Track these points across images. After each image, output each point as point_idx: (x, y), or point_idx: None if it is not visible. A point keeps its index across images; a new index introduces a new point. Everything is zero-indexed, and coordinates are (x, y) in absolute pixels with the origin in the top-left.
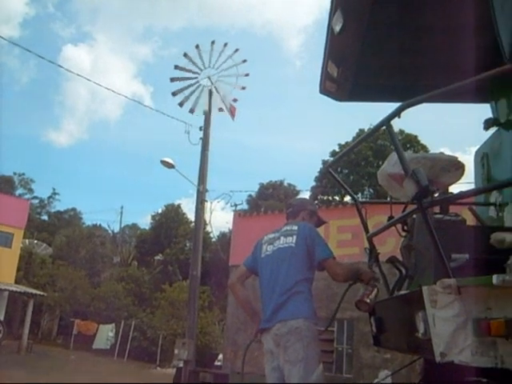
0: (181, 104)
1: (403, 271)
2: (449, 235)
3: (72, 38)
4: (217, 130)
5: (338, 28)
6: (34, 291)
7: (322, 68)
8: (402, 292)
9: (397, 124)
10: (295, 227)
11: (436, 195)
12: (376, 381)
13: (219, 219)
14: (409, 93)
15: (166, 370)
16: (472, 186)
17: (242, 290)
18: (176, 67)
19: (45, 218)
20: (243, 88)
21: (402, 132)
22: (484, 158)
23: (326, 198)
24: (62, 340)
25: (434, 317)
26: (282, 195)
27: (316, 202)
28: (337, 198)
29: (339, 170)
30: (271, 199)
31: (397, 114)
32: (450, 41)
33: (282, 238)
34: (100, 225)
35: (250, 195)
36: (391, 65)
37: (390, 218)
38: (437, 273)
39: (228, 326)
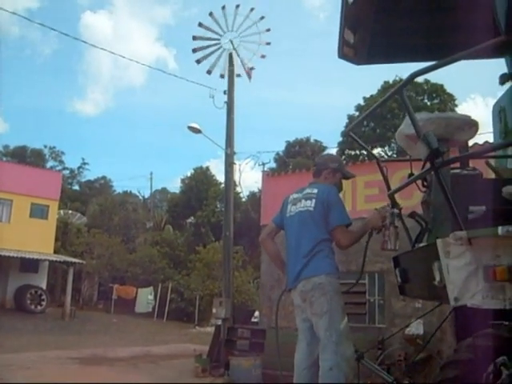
0: (209, 72)
1: (423, 225)
2: (466, 189)
3: (91, 5)
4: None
5: None
6: (73, 259)
7: (339, 34)
8: (422, 244)
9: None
10: (315, 190)
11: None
12: (408, 329)
13: (249, 179)
14: (426, 52)
15: (204, 329)
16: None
17: (271, 246)
18: (200, 25)
19: (76, 188)
20: (268, 43)
21: (427, 82)
22: (501, 111)
23: (353, 153)
24: (102, 305)
25: (447, 266)
26: (308, 152)
27: (343, 157)
28: (364, 152)
29: (365, 124)
30: (298, 156)
31: (408, 82)
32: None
33: (303, 200)
34: (131, 191)
35: (277, 153)
36: (408, 26)
37: (410, 175)
38: (453, 226)
39: (262, 284)
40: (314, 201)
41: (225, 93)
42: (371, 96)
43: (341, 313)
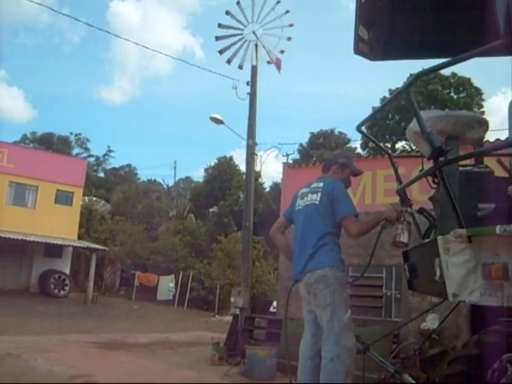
0: (229, 61)
1: (431, 221)
2: (476, 186)
3: None
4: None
5: None
6: (96, 246)
7: (355, 31)
8: (426, 240)
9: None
10: (321, 184)
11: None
12: (423, 324)
13: (272, 169)
14: (440, 49)
15: (224, 318)
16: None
17: (281, 239)
18: (227, 13)
19: (101, 175)
20: (289, 39)
21: (454, 75)
22: None
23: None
24: (124, 292)
25: (447, 262)
26: (333, 144)
27: (366, 149)
28: (389, 145)
29: (390, 116)
30: (322, 148)
31: (414, 81)
32: None
33: (309, 194)
34: (155, 180)
35: (301, 145)
36: (422, 22)
37: (421, 170)
38: (461, 223)
39: (281, 274)
40: (319, 194)
41: (248, 84)
42: (396, 88)
43: (344, 305)
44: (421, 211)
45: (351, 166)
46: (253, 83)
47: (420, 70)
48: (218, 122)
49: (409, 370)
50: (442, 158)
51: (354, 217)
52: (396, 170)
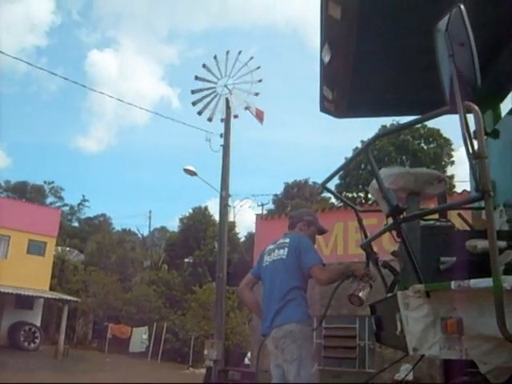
0: (200, 113)
1: (395, 274)
2: (438, 240)
3: (97, 44)
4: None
5: (327, 59)
6: (68, 297)
7: (320, 91)
8: (389, 295)
9: None
10: (287, 240)
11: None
12: (397, 375)
13: (248, 219)
14: (402, 108)
15: (198, 371)
16: None
17: (249, 295)
18: (196, 78)
19: (75, 224)
20: (256, 94)
21: (424, 126)
22: None
23: (350, 195)
24: (96, 344)
25: (407, 317)
26: (307, 194)
27: (339, 200)
28: (361, 194)
29: (362, 167)
30: (297, 198)
31: (372, 141)
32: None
33: (276, 250)
34: (130, 229)
35: (275, 195)
36: (384, 82)
37: (386, 224)
38: (419, 278)
39: (255, 326)
40: (286, 249)
41: (221, 136)
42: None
43: (310, 360)
44: (385, 265)
45: (316, 224)
46: (226, 136)
47: (392, 121)
48: (192, 173)
49: None
50: (400, 216)
51: (321, 265)
52: (361, 224)
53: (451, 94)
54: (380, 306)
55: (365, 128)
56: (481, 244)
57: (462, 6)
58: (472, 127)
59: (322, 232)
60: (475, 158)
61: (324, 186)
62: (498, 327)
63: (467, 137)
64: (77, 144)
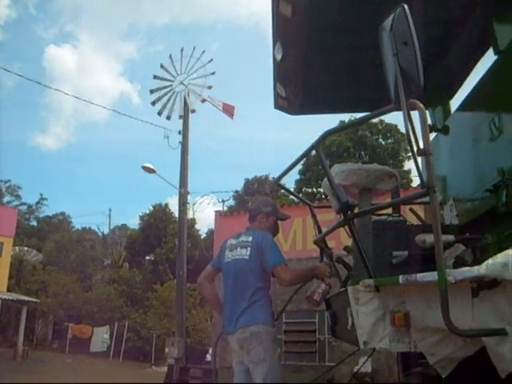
0: (159, 113)
1: (348, 270)
2: (391, 234)
3: (55, 39)
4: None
5: (279, 57)
6: (27, 298)
7: (274, 88)
8: (341, 290)
9: None
10: (250, 238)
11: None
12: (356, 367)
13: (208, 216)
14: (354, 104)
15: (160, 369)
16: None
17: (209, 288)
18: (155, 77)
19: (34, 223)
20: (210, 87)
21: (381, 122)
22: None
23: (310, 190)
24: (57, 345)
25: (357, 311)
26: (267, 190)
27: (300, 194)
28: (321, 190)
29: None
30: (257, 194)
31: (322, 139)
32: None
33: (238, 248)
34: (90, 228)
35: (236, 191)
36: (335, 80)
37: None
38: (369, 273)
39: (215, 322)
40: (249, 249)
41: (179, 133)
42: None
43: (276, 360)
44: (338, 260)
45: (276, 214)
46: (184, 133)
47: (350, 118)
48: (150, 171)
49: None
50: (349, 212)
51: (284, 265)
52: (315, 220)
53: (396, 91)
54: (334, 300)
55: (329, 124)
56: (429, 238)
57: (406, 6)
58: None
59: (282, 219)
60: (419, 155)
61: (277, 183)
62: (443, 320)
63: (411, 134)
64: (35, 141)
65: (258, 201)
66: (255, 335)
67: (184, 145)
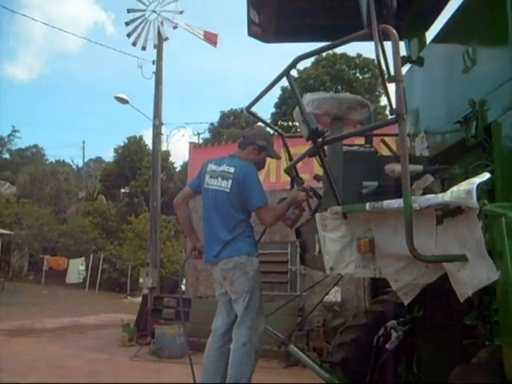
0: (134, 44)
1: (318, 198)
2: (361, 165)
3: None
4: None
5: None
6: (1, 230)
7: (247, 14)
8: (309, 217)
9: (354, 48)
10: (232, 169)
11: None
12: (327, 297)
13: (184, 149)
14: (326, 33)
15: (135, 299)
16: None
17: (184, 210)
18: (128, 11)
19: (6, 156)
20: (181, 12)
21: (359, 56)
22: None
23: (286, 124)
24: (33, 276)
25: (324, 238)
26: (243, 123)
27: (276, 127)
28: (297, 123)
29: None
30: (233, 127)
31: (293, 65)
32: None
33: (219, 178)
34: (63, 160)
35: (211, 124)
36: (310, 6)
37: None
38: (338, 201)
39: (188, 253)
40: (230, 181)
41: (153, 63)
42: (305, 69)
43: (258, 291)
44: (309, 189)
45: (269, 150)
46: (158, 62)
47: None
48: (123, 101)
49: (313, 341)
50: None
51: (267, 206)
52: (287, 150)
53: (368, 15)
54: (304, 229)
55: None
56: (398, 168)
57: None
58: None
59: (274, 158)
60: (390, 82)
61: (248, 110)
62: (407, 246)
63: (382, 60)
64: (5, 72)
65: (256, 131)
66: (239, 266)
67: (158, 74)
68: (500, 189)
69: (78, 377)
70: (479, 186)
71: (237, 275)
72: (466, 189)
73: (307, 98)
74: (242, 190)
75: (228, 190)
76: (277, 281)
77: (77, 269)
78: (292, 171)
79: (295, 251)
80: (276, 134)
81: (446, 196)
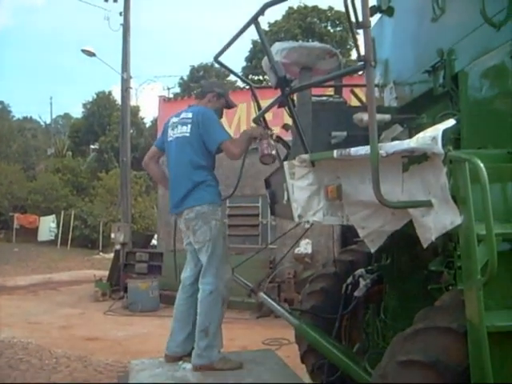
0: None
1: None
2: (329, 115)
3: None
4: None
5: None
6: None
7: None
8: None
9: (326, 1)
10: (190, 115)
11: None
12: (298, 249)
13: (154, 105)
14: None
15: (108, 255)
16: None
17: (155, 168)
18: None
19: None
20: None
21: (331, 9)
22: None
23: (256, 78)
24: (3, 235)
25: (292, 186)
26: (213, 77)
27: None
28: (267, 77)
29: None
30: (203, 80)
31: (261, 12)
32: None
33: (179, 126)
34: (31, 117)
35: (181, 78)
36: None
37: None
38: (306, 149)
39: (160, 208)
40: (189, 126)
41: (121, 14)
42: (275, 22)
43: (222, 240)
44: (278, 139)
45: (227, 98)
46: (126, 13)
47: (299, 4)
48: (90, 54)
49: (285, 292)
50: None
51: (230, 140)
52: (256, 100)
53: None
54: (273, 179)
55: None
56: (366, 117)
57: None
58: None
59: (230, 106)
60: (358, 28)
61: (216, 60)
62: (374, 193)
63: (351, 7)
64: None
65: (212, 80)
66: (201, 215)
67: (126, 26)
68: (466, 137)
69: (52, 331)
70: (445, 132)
71: (199, 225)
72: (431, 135)
73: (276, 47)
74: (201, 130)
75: (188, 134)
76: (248, 234)
77: (48, 226)
78: (261, 121)
79: (266, 204)
80: (246, 85)
81: (412, 142)
